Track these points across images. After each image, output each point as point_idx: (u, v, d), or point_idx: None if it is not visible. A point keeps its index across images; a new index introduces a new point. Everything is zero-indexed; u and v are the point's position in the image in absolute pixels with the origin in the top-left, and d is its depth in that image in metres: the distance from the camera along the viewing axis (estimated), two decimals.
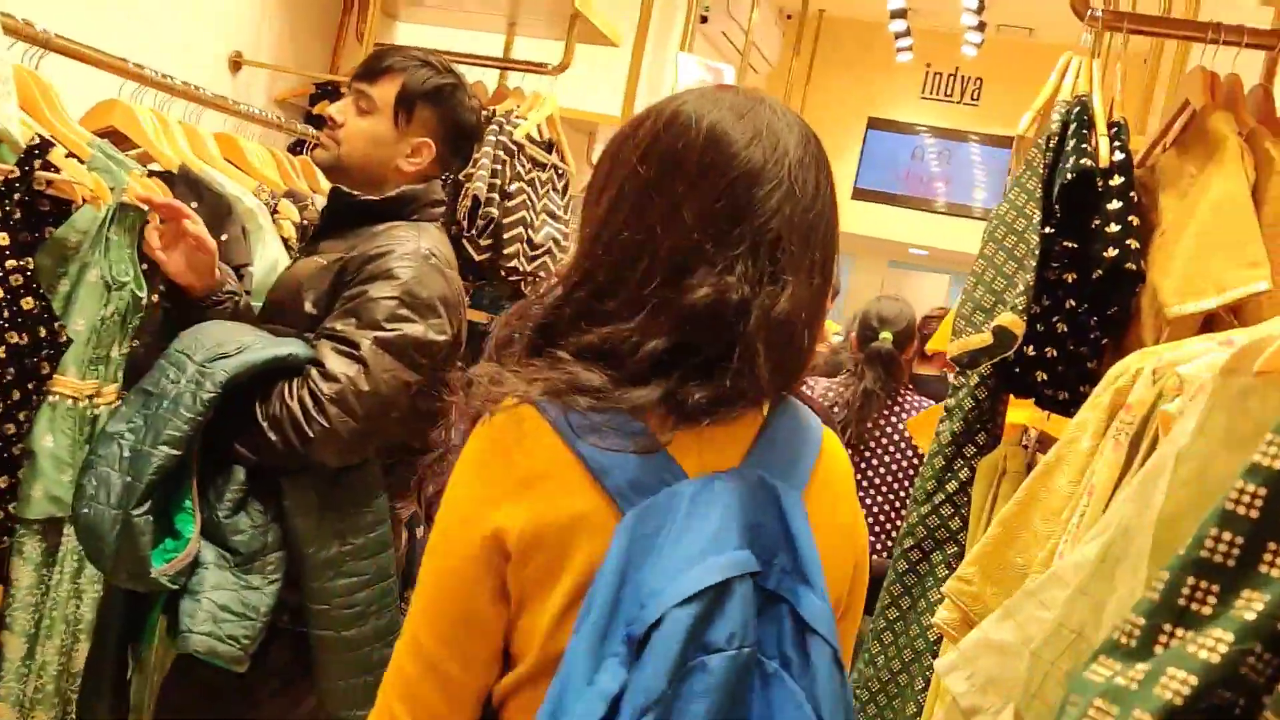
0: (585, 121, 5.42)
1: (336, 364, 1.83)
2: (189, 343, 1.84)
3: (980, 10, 7.93)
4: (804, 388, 3.69)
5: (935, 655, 1.77)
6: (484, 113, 3.25)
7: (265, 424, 1.82)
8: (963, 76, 9.86)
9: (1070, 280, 1.62)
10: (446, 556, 1.03)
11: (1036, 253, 1.55)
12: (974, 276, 1.63)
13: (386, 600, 1.99)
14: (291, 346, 1.87)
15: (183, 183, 2.25)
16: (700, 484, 1.00)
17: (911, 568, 1.82)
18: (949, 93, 9.95)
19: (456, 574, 1.02)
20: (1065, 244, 1.60)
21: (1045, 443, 1.83)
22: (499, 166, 3.12)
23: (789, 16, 9.05)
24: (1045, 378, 1.65)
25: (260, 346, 1.84)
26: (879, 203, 9.94)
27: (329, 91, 3.40)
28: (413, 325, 1.88)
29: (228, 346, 1.82)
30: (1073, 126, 1.63)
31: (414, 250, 1.94)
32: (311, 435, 1.80)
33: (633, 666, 0.92)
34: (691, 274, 1.00)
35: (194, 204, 2.24)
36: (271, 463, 1.85)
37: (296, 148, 3.07)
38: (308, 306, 1.96)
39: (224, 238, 2.24)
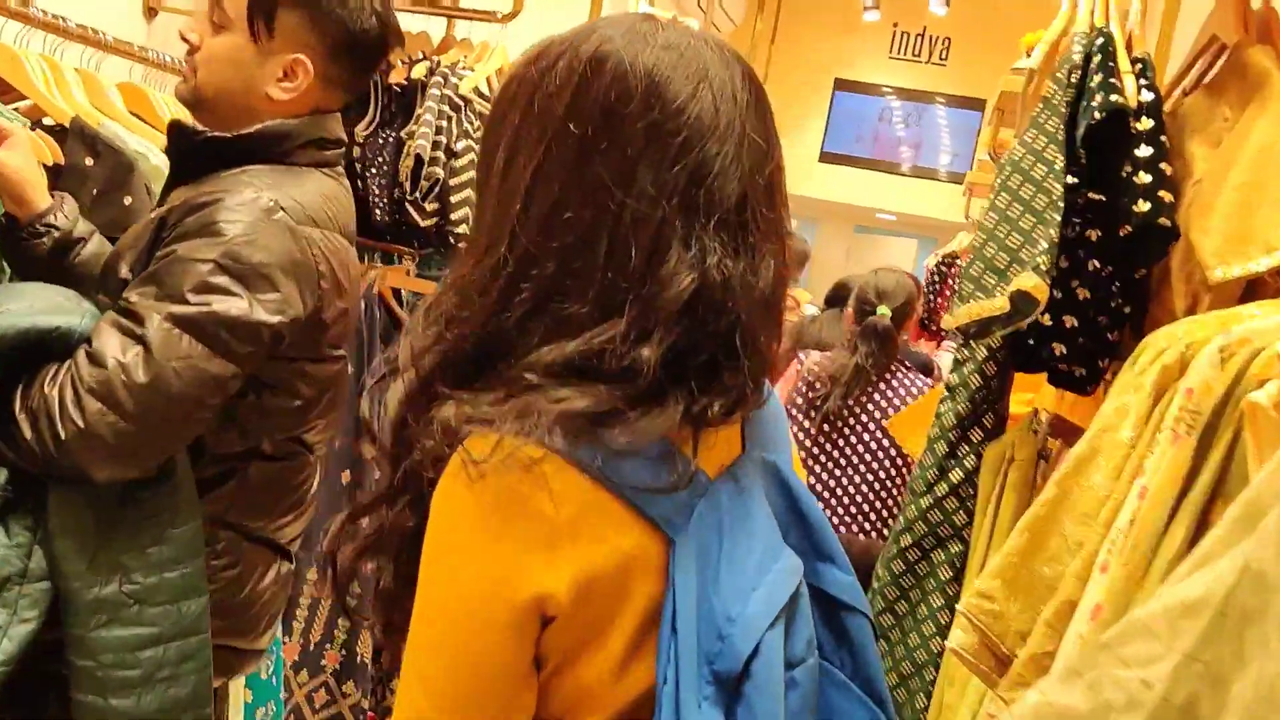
0: None
1: (109, 344, 1.41)
2: None
3: None
4: (795, 360, 3.53)
5: (937, 669, 1.55)
6: (428, 64, 2.99)
7: (21, 416, 1.40)
8: (931, 36, 9.65)
9: (1093, 238, 1.39)
10: (469, 634, 0.83)
11: (1061, 205, 1.31)
12: (984, 232, 1.39)
13: (188, 667, 1.51)
14: (72, 317, 1.44)
15: (76, 137, 1.97)
16: (729, 487, 0.89)
17: (909, 568, 1.59)
18: (917, 53, 9.73)
19: (486, 652, 0.83)
20: (1090, 196, 1.37)
21: (1059, 428, 1.61)
22: (444, 123, 2.86)
23: None
24: (1064, 350, 1.43)
25: (26, 313, 1.41)
26: (846, 165, 9.73)
27: None
28: (229, 300, 1.44)
29: None
30: (1097, 59, 1.39)
31: (251, 200, 1.49)
32: (63, 436, 1.38)
33: (737, 703, 0.83)
34: (663, 256, 0.83)
35: (89, 161, 1.97)
36: (32, 467, 1.42)
37: None
38: (123, 271, 1.53)
39: (126, 201, 1.97)
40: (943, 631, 1.57)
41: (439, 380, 0.86)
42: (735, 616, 0.84)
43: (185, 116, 1.72)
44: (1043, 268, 1.28)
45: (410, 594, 0.86)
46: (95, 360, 1.40)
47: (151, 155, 2.09)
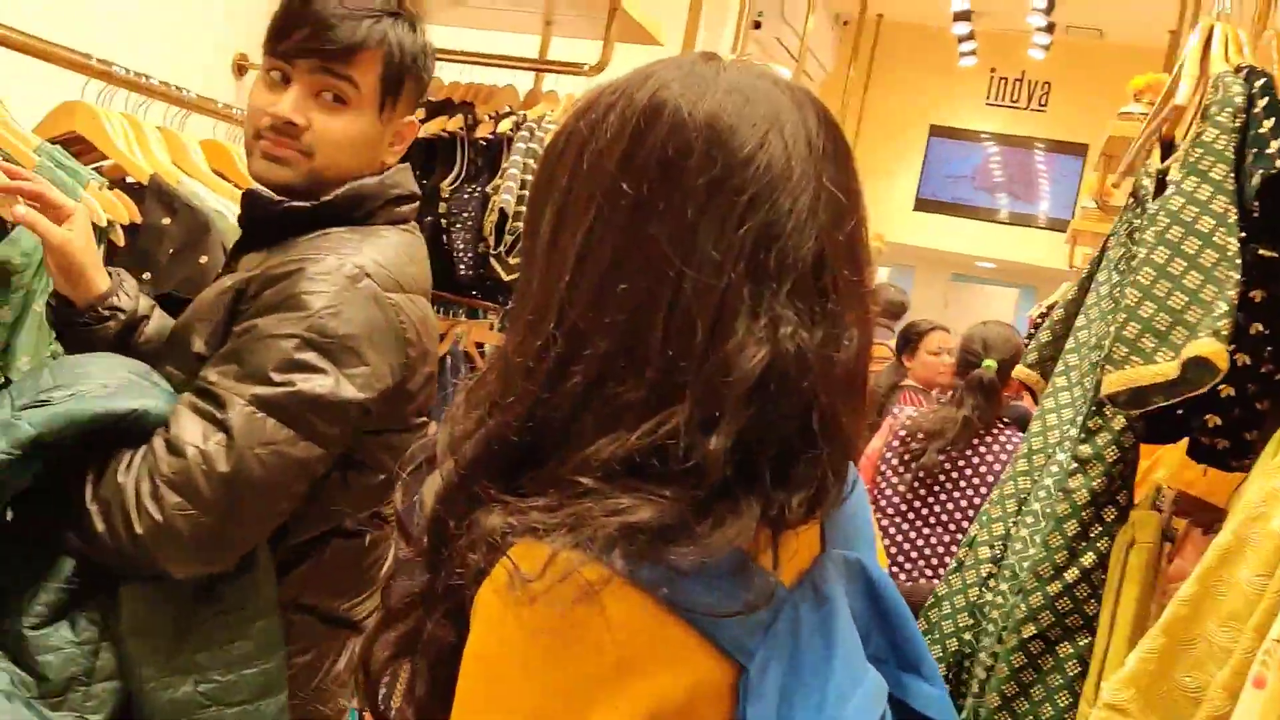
0: None
1: (188, 430, 1.31)
2: (28, 379, 1.35)
3: (1049, 11, 7.54)
4: (889, 416, 3.42)
5: None
6: (514, 118, 2.94)
7: (93, 506, 1.30)
8: (1030, 81, 9.45)
9: (1258, 299, 1.25)
10: None
11: (1238, 262, 1.17)
12: (1138, 290, 1.24)
13: None
14: (148, 399, 1.35)
15: (154, 196, 1.94)
16: (809, 599, 0.76)
17: (1031, 662, 1.44)
18: (1015, 98, 9.53)
19: None
20: (1260, 253, 1.23)
21: (1186, 505, 1.46)
22: (529, 177, 2.80)
23: (845, 21, 8.71)
24: (1219, 422, 1.28)
25: (99, 395, 1.32)
26: (942, 214, 9.54)
27: None
28: (315, 378, 1.34)
29: (59, 391, 1.31)
30: (1263, 102, 1.25)
31: (335, 268, 1.39)
32: (139, 530, 1.28)
33: None
34: (729, 329, 0.71)
35: (166, 220, 1.94)
36: (104, 560, 1.33)
37: None
38: (197, 344, 1.44)
39: (203, 259, 1.93)
40: None
41: (480, 474, 0.75)
42: None
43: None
44: (1223, 333, 1.14)
45: (446, 710, 0.73)
46: (174, 449, 1.30)
47: (229, 214, 2.05)
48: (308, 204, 1.49)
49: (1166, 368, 1.18)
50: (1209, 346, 1.14)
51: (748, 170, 0.73)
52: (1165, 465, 1.62)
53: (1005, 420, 3.13)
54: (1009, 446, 3.02)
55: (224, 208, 2.06)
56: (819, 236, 0.74)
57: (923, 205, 9.69)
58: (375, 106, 1.51)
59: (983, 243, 9.61)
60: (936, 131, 9.70)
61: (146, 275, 1.92)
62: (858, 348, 0.76)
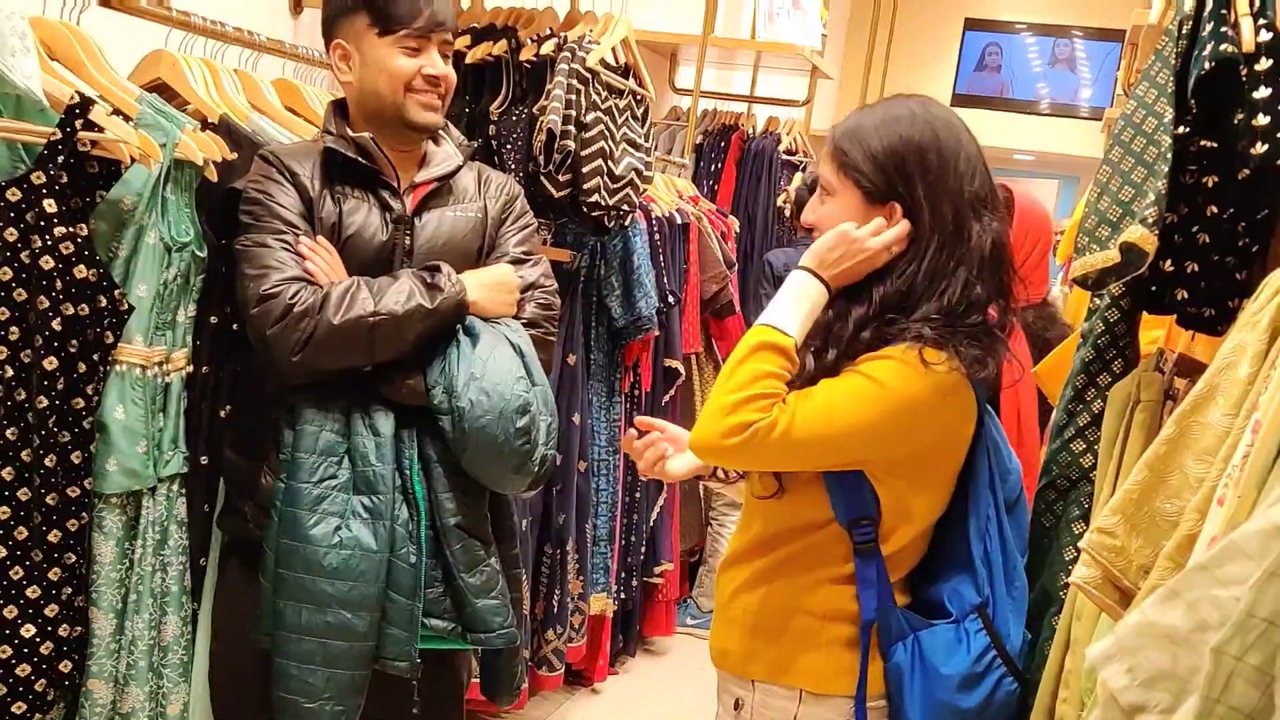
0: (664, 44, 5.22)
1: None
2: None
3: None
4: None
5: (1061, 603, 1.60)
6: (555, 40, 3.10)
7: None
8: None
9: (1210, 184, 1.41)
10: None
11: (1169, 156, 1.34)
12: (1098, 185, 1.42)
13: None
14: None
15: (223, 134, 2.13)
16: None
17: (1047, 508, 1.65)
18: None
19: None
20: (1203, 144, 1.39)
21: (1185, 366, 1.63)
22: (573, 97, 2.96)
23: None
24: (1186, 295, 1.45)
25: None
26: (979, 108, 9.50)
27: None
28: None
29: None
30: (1209, 7, 1.40)
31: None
32: None
33: (1011, 516, 1.69)
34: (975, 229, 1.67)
35: (234, 155, 2.12)
36: None
37: None
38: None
39: None
40: (1066, 567, 1.62)
41: (881, 312, 1.59)
42: (1010, 468, 1.68)
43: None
44: (1149, 220, 1.31)
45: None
46: None
47: (287, 141, 2.23)
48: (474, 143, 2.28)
49: (1112, 253, 1.36)
50: (1136, 232, 1.32)
51: (960, 149, 1.62)
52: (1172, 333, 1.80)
53: None
54: None
55: (285, 138, 2.24)
56: (986, 177, 1.64)
57: (959, 101, 9.66)
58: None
59: (1023, 135, 9.58)
60: (972, 25, 9.63)
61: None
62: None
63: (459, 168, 2.17)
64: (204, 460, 2.16)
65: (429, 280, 2.02)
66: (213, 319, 2.15)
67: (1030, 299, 2.58)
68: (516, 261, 2.17)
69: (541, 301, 2.17)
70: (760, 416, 1.51)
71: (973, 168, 1.61)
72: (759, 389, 1.53)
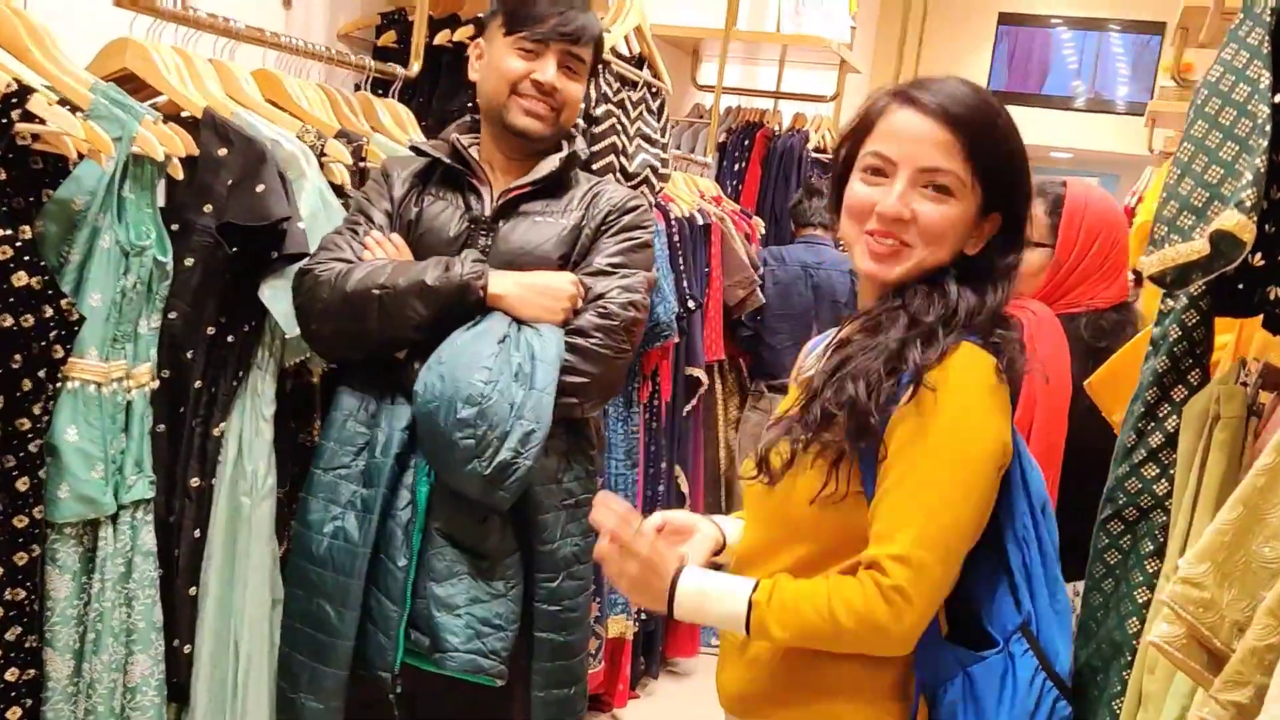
0: (686, 39, 5.03)
1: None
2: None
3: None
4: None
5: (1133, 653, 1.38)
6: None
7: None
8: None
9: None
10: (991, 467, 1.39)
11: (1268, 129, 1.12)
12: (1178, 166, 1.20)
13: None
14: None
15: (209, 129, 1.96)
16: None
17: (1113, 543, 1.42)
18: None
19: (988, 489, 1.40)
20: None
21: (1272, 378, 1.41)
22: None
23: None
24: (1279, 294, 1.24)
25: None
26: (1014, 104, 9.23)
27: (395, 21, 3.08)
28: None
29: None
30: None
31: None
32: None
33: (1043, 520, 1.48)
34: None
35: (223, 151, 1.95)
36: None
37: (381, 88, 2.74)
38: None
39: (259, 189, 1.95)
40: (1140, 612, 1.40)
41: (940, 322, 1.40)
42: (1034, 473, 1.48)
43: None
44: (1247, 204, 1.09)
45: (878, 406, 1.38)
46: None
47: (285, 142, 2.06)
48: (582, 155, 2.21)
49: (1200, 244, 1.14)
50: (1231, 219, 1.10)
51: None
52: (1246, 338, 1.57)
53: None
54: None
55: (278, 135, 2.07)
56: None
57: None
58: (585, 79, 2.18)
59: (1058, 132, 9.31)
60: (1005, 19, 9.37)
61: (207, 208, 1.94)
62: None
63: (552, 174, 2.10)
64: (195, 483, 1.99)
65: (447, 262, 1.98)
66: (209, 330, 2.00)
67: (1094, 303, 2.32)
68: (600, 273, 2.06)
69: (601, 311, 2.02)
70: (870, 606, 1.33)
71: None
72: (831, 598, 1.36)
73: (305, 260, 1.99)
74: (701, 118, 5.22)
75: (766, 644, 1.44)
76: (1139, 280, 4.55)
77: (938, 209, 1.41)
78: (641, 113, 3.05)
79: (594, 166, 2.79)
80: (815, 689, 1.44)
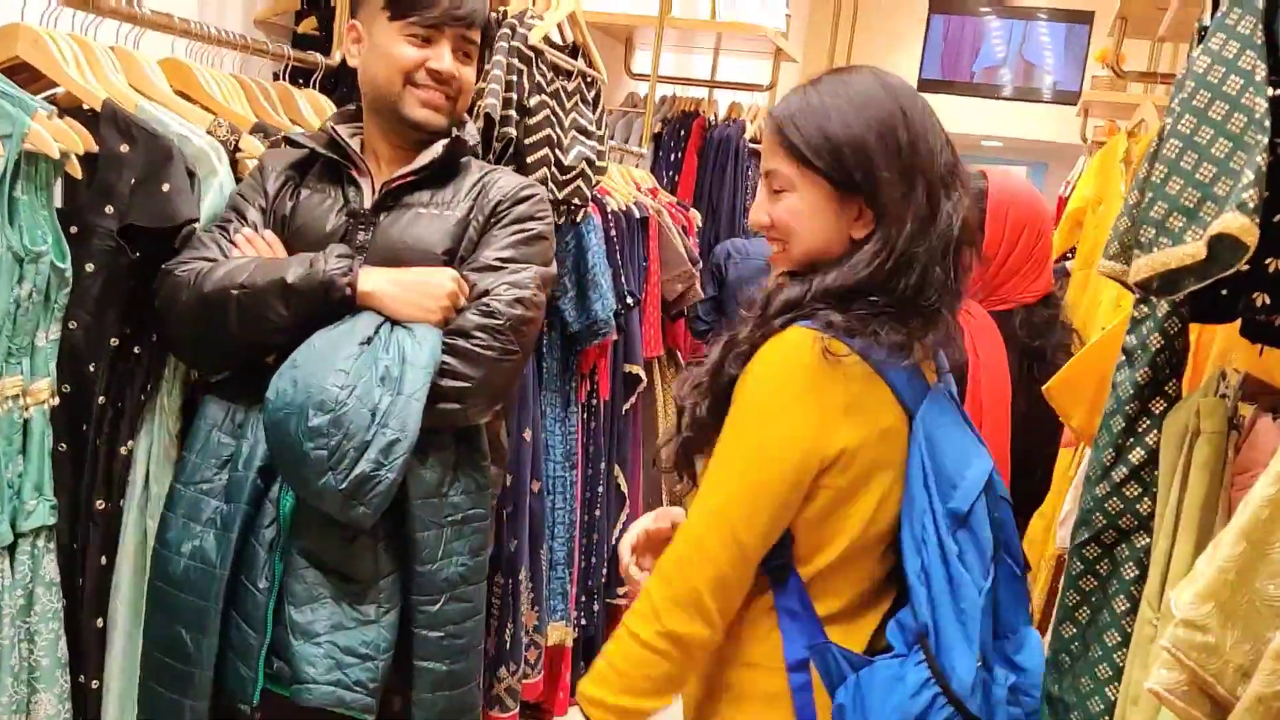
0: (619, 27, 4.91)
1: None
2: None
3: None
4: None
5: (1118, 683, 1.31)
6: (494, 14, 2.77)
7: None
8: None
9: None
10: (775, 469, 1.35)
11: (1267, 124, 1.04)
12: (1164, 164, 1.11)
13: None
14: None
15: (109, 123, 1.80)
16: (941, 393, 1.47)
17: (1089, 568, 1.34)
18: None
19: (784, 483, 1.35)
20: None
21: (1252, 389, 1.34)
22: (514, 78, 2.64)
23: None
24: (1267, 300, 1.16)
25: None
26: (945, 93, 9.27)
27: (316, 6, 2.93)
28: None
29: None
30: None
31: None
32: None
33: (963, 530, 1.37)
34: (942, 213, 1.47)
35: (125, 148, 1.80)
36: None
37: (302, 78, 2.58)
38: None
39: (165, 188, 1.80)
40: (1129, 641, 1.32)
41: (820, 299, 1.40)
42: (965, 474, 1.40)
43: None
44: (1249, 205, 1.01)
45: (718, 421, 1.41)
46: None
47: (194, 137, 1.91)
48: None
49: (1195, 248, 1.06)
50: (1234, 222, 1.02)
51: (928, 127, 1.45)
52: (1221, 347, 1.50)
53: None
54: None
55: (188, 131, 1.92)
56: (950, 153, 1.46)
57: (925, 86, 9.40)
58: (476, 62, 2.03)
59: (989, 121, 9.35)
60: (936, 7, 9.38)
61: (109, 209, 1.79)
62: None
63: (434, 161, 1.94)
64: (100, 505, 1.85)
65: (310, 259, 1.82)
66: (113, 341, 1.84)
67: (1023, 297, 2.24)
68: (487, 269, 1.90)
69: (485, 309, 1.86)
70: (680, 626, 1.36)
71: (942, 141, 1.46)
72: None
73: (169, 264, 1.84)
74: (636, 107, 5.11)
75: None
76: (1066, 270, 4.53)
77: (779, 208, 1.46)
78: (576, 103, 2.92)
79: (528, 160, 2.66)
80: (712, 700, 1.47)
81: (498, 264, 1.90)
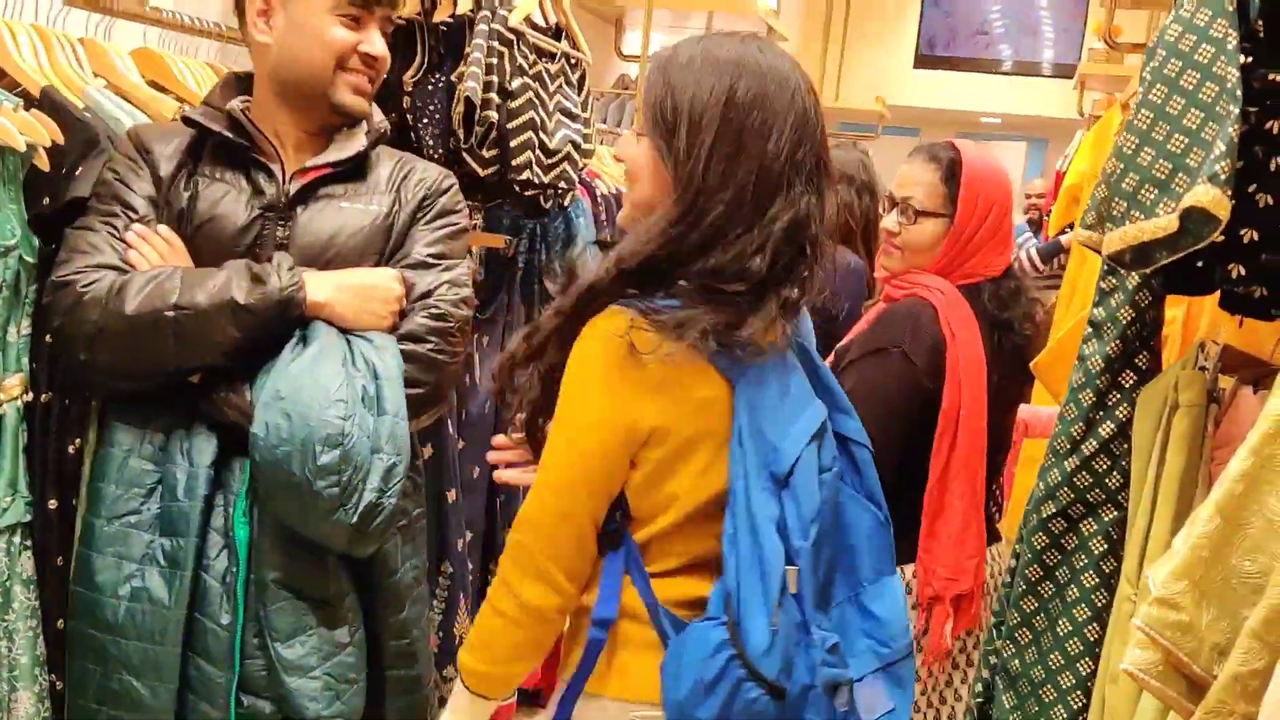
0: (609, 9, 4.87)
1: None
2: None
3: None
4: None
5: (1095, 660, 1.29)
6: None
7: None
8: None
9: (1276, 130, 1.09)
10: (592, 447, 1.39)
11: (1238, 94, 1.01)
12: (1135, 134, 1.09)
13: None
14: None
15: (48, 110, 1.75)
16: (775, 357, 1.40)
17: (1054, 542, 1.32)
18: None
19: (603, 459, 1.39)
20: (1272, 78, 1.06)
21: (1232, 361, 1.32)
22: (495, 60, 2.61)
23: None
24: (1242, 271, 1.14)
25: None
26: (943, 69, 9.22)
27: None
28: None
29: None
30: None
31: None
32: None
33: (786, 493, 1.36)
34: (777, 200, 1.38)
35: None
36: None
37: None
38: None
39: (78, 172, 1.74)
40: (1099, 616, 1.30)
41: (622, 281, 1.37)
42: (789, 433, 1.38)
43: None
44: (1221, 176, 0.98)
45: (550, 404, 1.43)
46: None
47: (130, 120, 1.87)
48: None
49: (1167, 220, 1.03)
50: (1206, 194, 0.99)
51: (788, 113, 1.36)
52: (1210, 318, 1.48)
53: None
54: None
55: (124, 115, 1.87)
56: (812, 146, 1.38)
57: (923, 62, 9.36)
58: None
59: (987, 97, 9.30)
60: None
61: (45, 200, 1.74)
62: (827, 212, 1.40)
63: (360, 153, 1.82)
64: (52, 505, 1.81)
65: (256, 272, 1.67)
66: (48, 337, 1.77)
67: (986, 272, 2.23)
68: (421, 265, 1.80)
69: (434, 312, 1.77)
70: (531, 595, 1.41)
71: (803, 133, 1.38)
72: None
73: (57, 270, 1.67)
74: (627, 89, 5.08)
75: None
76: (1063, 246, 4.48)
77: (633, 149, 1.47)
78: (560, 85, 2.89)
79: (511, 144, 2.63)
80: (567, 634, 1.52)
81: (432, 260, 1.81)
